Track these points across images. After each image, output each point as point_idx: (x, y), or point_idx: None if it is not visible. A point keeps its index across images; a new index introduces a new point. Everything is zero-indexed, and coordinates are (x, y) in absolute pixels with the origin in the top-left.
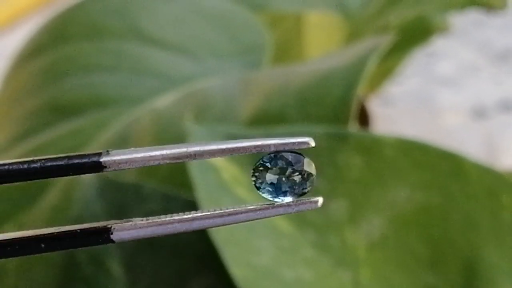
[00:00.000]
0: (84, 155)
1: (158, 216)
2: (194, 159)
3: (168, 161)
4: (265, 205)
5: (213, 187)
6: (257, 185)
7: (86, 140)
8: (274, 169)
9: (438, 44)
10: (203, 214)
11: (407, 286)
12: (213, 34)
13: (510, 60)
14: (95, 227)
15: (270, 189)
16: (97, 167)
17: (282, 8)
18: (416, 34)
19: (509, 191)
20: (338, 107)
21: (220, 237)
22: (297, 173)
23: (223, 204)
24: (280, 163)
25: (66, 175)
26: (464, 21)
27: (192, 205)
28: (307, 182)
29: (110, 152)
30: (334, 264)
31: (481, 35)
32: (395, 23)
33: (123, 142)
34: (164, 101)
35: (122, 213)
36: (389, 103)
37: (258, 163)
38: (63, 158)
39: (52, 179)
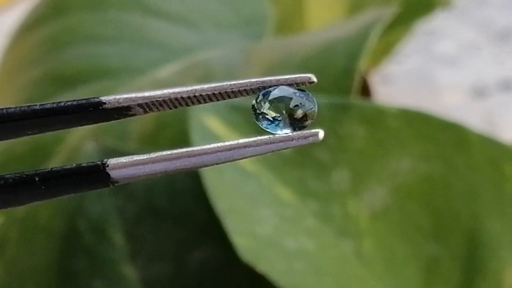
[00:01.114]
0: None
1: (161, 152)
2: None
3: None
4: (266, 139)
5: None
6: (257, 117)
7: None
8: (274, 103)
9: (438, 23)
10: (207, 148)
11: (409, 257)
12: (215, 5)
13: (510, 39)
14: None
15: (269, 121)
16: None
17: None
18: (418, 8)
19: (511, 162)
20: (341, 78)
21: (222, 207)
22: (298, 108)
23: (226, 175)
24: (281, 97)
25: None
26: None
27: (194, 175)
28: (308, 117)
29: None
30: (336, 234)
31: (481, 13)
32: None
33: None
34: (165, 72)
35: (123, 187)
36: (389, 82)
37: (258, 96)
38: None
39: (53, 149)
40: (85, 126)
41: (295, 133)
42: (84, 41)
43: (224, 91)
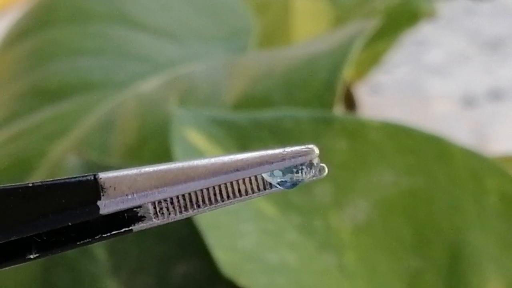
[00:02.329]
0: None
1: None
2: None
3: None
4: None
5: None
6: None
7: (70, 124)
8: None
9: (427, 32)
10: (213, 201)
11: (392, 270)
12: (199, 18)
13: (499, 48)
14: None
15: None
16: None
17: None
18: (402, 19)
19: (493, 175)
20: (323, 91)
21: (204, 222)
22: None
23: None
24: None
25: None
26: (453, 9)
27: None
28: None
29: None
30: (318, 248)
31: (470, 23)
32: (381, 8)
33: (107, 126)
34: (149, 85)
35: None
36: (378, 91)
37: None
38: None
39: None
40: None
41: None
42: (68, 54)
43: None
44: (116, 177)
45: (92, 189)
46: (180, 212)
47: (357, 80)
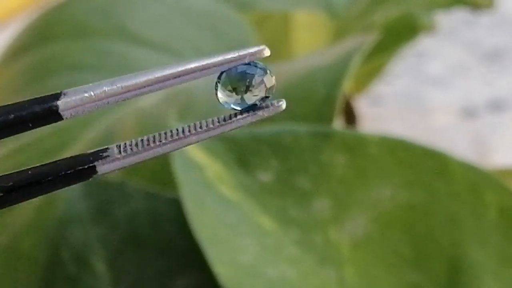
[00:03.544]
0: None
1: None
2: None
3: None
4: (230, 121)
5: (197, 185)
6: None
7: (70, 139)
8: (231, 91)
9: (427, 44)
10: (179, 134)
11: (391, 284)
12: (198, 33)
13: (499, 59)
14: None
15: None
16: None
17: (269, 8)
18: (401, 33)
19: (492, 189)
20: (322, 106)
21: (204, 236)
22: (256, 93)
23: (208, 203)
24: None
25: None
26: (453, 20)
27: (176, 204)
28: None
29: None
30: (318, 263)
31: (470, 34)
32: (381, 22)
33: (107, 141)
34: (148, 100)
35: (106, 212)
36: (379, 103)
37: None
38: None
39: None
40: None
41: (258, 107)
42: (67, 69)
43: (181, 74)
44: (76, 88)
45: (53, 96)
46: (144, 148)
47: (357, 93)
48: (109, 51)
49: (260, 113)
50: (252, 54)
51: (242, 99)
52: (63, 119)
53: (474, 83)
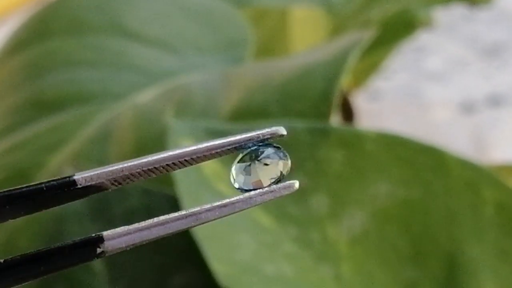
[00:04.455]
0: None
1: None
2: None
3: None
4: (243, 197)
5: (194, 182)
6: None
7: (67, 136)
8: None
9: (426, 39)
10: (185, 213)
11: (388, 281)
12: (195, 29)
13: (498, 54)
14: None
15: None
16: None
17: (267, 4)
18: (399, 28)
19: (490, 186)
20: (319, 102)
21: (201, 233)
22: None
23: (204, 200)
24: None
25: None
26: (452, 15)
27: (173, 201)
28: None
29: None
30: (315, 259)
31: (469, 29)
32: (378, 18)
33: (104, 138)
34: (145, 96)
35: (104, 209)
36: (377, 98)
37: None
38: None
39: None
40: (65, 152)
41: (271, 187)
42: (64, 65)
43: (195, 156)
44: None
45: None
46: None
47: (355, 88)
48: (106, 47)
49: (273, 192)
50: (268, 133)
51: (255, 175)
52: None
53: (472, 78)
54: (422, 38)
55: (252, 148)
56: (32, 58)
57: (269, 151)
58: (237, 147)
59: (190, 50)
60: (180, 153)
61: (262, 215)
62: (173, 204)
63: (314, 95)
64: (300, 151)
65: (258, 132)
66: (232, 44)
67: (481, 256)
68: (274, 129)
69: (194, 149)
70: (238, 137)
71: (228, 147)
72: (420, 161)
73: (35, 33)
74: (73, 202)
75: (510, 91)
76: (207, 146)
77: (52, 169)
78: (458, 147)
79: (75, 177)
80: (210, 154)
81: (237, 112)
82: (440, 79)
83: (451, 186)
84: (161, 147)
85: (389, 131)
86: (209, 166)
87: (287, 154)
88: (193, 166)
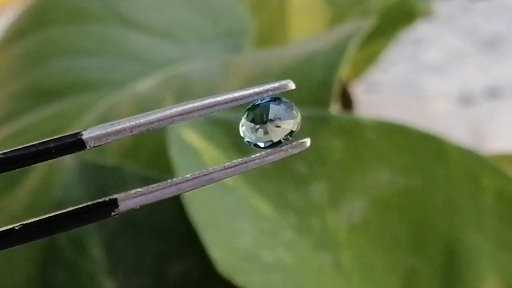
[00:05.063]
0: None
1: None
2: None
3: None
4: (254, 157)
5: (194, 169)
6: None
7: (67, 124)
8: (255, 126)
9: (424, 31)
10: (195, 175)
11: (388, 268)
12: (195, 18)
13: (497, 46)
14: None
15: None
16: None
17: None
18: (398, 18)
19: (489, 174)
20: (319, 90)
21: (200, 220)
22: (281, 128)
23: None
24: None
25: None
26: (451, 7)
27: None
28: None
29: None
30: (314, 247)
31: (468, 21)
32: (377, 7)
33: None
34: (145, 84)
35: (102, 196)
36: (376, 90)
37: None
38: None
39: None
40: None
41: (283, 145)
42: (64, 54)
43: (205, 107)
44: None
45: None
46: (166, 184)
47: (354, 79)
48: (106, 36)
49: (284, 151)
50: (276, 88)
51: (267, 135)
52: (86, 147)
53: (471, 70)
54: (420, 30)
55: (261, 102)
56: (32, 46)
57: (279, 109)
58: (246, 103)
59: (190, 39)
60: (188, 107)
61: (261, 202)
62: None
63: (313, 83)
64: (300, 139)
65: (267, 87)
66: (232, 33)
67: (481, 244)
68: (283, 83)
69: (203, 104)
70: (246, 92)
71: (236, 102)
72: (420, 149)
73: (34, 21)
74: (73, 188)
75: (509, 83)
76: (215, 101)
77: None
78: (456, 138)
79: (83, 137)
80: (219, 107)
81: None
82: (438, 71)
83: (451, 174)
84: (161, 135)
85: (389, 119)
86: (208, 153)
87: (297, 110)
88: (192, 151)
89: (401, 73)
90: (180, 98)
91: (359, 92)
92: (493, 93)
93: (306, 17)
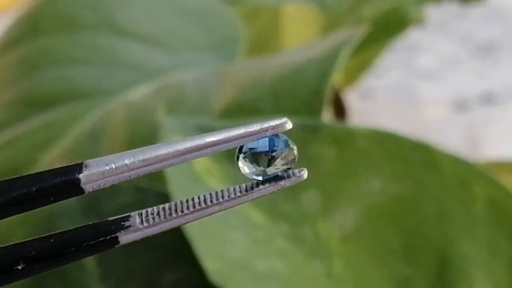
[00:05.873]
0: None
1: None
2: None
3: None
4: (253, 191)
5: (186, 178)
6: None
7: (59, 133)
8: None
9: (418, 37)
10: (201, 204)
11: (380, 277)
12: (188, 26)
13: (491, 52)
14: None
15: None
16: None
17: (260, 1)
18: (391, 26)
19: (481, 182)
20: (311, 99)
21: (192, 230)
22: (279, 165)
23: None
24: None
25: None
26: (444, 13)
27: (164, 198)
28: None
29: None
30: (307, 256)
31: (462, 27)
32: (370, 15)
33: (97, 135)
34: (137, 93)
35: (96, 207)
36: (370, 96)
37: (237, 153)
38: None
39: (26, 171)
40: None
41: (281, 176)
42: (57, 63)
43: (202, 149)
44: (98, 159)
45: (75, 167)
46: (166, 218)
47: (348, 86)
48: (99, 45)
49: (282, 183)
50: (274, 127)
51: (264, 171)
52: (84, 192)
53: (465, 76)
54: (414, 36)
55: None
56: (25, 55)
57: (277, 144)
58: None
59: (183, 48)
60: (186, 148)
61: (254, 211)
62: (165, 201)
63: (305, 92)
64: (293, 147)
65: (264, 126)
66: (225, 42)
67: (473, 252)
68: (279, 122)
69: (199, 144)
70: (242, 130)
71: (230, 143)
72: (412, 158)
73: (27, 30)
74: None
75: (503, 89)
76: (211, 141)
77: (45, 166)
78: (451, 145)
79: (82, 186)
80: (216, 148)
81: (229, 109)
82: (433, 77)
83: (442, 183)
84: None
85: (381, 128)
86: (200, 162)
87: (293, 145)
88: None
89: (395, 80)
90: (173, 107)
91: (353, 99)
92: (488, 99)
93: (300, 25)
